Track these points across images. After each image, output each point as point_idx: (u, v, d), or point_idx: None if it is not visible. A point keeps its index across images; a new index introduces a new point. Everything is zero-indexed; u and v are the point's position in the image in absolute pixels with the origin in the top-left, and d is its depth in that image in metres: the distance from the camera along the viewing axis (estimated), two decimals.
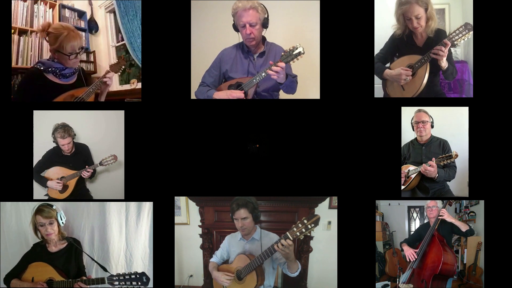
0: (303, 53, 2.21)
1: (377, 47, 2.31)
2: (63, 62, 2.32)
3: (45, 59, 2.35)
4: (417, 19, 2.26)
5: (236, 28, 2.34)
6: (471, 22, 2.25)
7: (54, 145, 2.35)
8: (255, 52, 2.35)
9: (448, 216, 2.25)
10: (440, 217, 2.25)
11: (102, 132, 2.34)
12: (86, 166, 2.36)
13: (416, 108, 2.30)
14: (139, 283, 2.19)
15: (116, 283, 2.18)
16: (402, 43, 2.33)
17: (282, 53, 2.24)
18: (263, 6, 2.29)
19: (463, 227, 2.24)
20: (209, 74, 2.36)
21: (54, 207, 2.25)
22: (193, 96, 2.32)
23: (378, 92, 2.35)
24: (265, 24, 2.31)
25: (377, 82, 2.34)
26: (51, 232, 2.23)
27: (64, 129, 2.32)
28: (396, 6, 2.30)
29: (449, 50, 2.26)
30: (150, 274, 2.27)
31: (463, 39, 2.22)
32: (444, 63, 2.25)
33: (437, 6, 2.30)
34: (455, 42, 2.23)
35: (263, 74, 2.27)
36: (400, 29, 2.31)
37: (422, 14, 2.26)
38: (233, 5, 2.30)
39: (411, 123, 2.32)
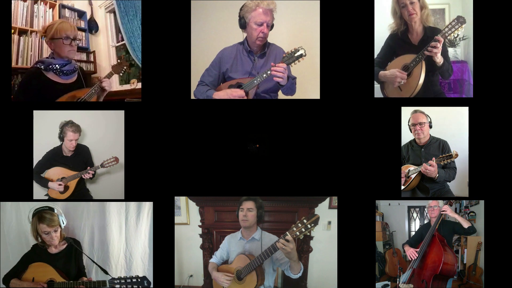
0: (305, 55, 2.21)
1: (377, 48, 2.31)
2: (58, 51, 2.32)
3: (45, 58, 2.35)
4: (411, 4, 2.26)
5: (243, 26, 2.32)
6: (471, 22, 2.26)
7: (55, 145, 2.35)
8: (257, 53, 2.35)
9: (450, 212, 2.25)
10: (443, 212, 2.25)
11: (102, 132, 2.34)
12: (88, 168, 2.36)
13: (412, 109, 2.30)
14: (140, 287, 2.19)
15: (118, 286, 2.17)
16: (397, 41, 2.32)
17: (284, 55, 2.24)
18: None
19: (465, 224, 2.24)
20: (208, 74, 2.36)
21: (55, 211, 2.24)
22: (193, 96, 2.32)
23: (378, 92, 2.35)
24: (273, 25, 2.31)
25: (377, 83, 2.34)
26: (56, 239, 2.23)
27: (76, 126, 2.33)
28: None
29: (446, 49, 2.27)
30: (150, 274, 2.27)
31: (457, 33, 2.23)
32: (439, 59, 2.24)
33: (437, 6, 2.31)
34: (449, 37, 2.23)
35: (264, 75, 2.26)
36: (395, 23, 2.31)
37: (415, 0, 2.26)
38: (249, 2, 2.28)
39: (408, 125, 2.32)
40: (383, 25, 2.32)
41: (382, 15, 2.31)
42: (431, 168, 2.27)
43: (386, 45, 2.33)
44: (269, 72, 2.25)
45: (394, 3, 2.30)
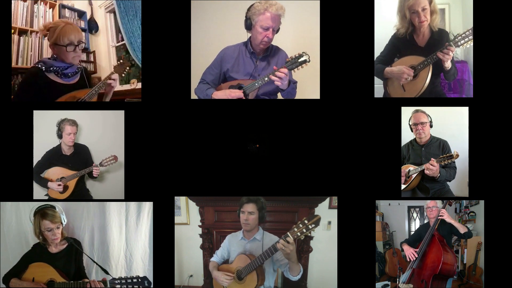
0: (309, 61, 2.20)
1: (377, 48, 2.31)
2: (61, 57, 2.30)
3: (46, 58, 2.34)
4: (423, 11, 2.26)
5: (249, 27, 2.30)
6: (471, 22, 2.26)
7: (54, 145, 2.35)
8: (260, 55, 2.34)
9: (447, 217, 2.25)
10: (440, 217, 2.25)
11: (102, 132, 2.34)
12: (93, 164, 2.35)
13: (413, 109, 2.30)
14: (141, 287, 2.19)
15: (118, 286, 2.17)
16: (403, 43, 2.32)
17: (287, 59, 2.24)
18: None
19: (462, 229, 2.24)
20: (209, 72, 2.35)
21: (57, 209, 2.24)
22: (193, 96, 2.32)
23: (378, 92, 2.35)
24: (278, 29, 2.30)
25: (378, 82, 2.34)
26: (58, 236, 2.23)
27: (72, 120, 2.32)
28: (400, 1, 2.28)
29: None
30: (150, 274, 2.27)
31: (469, 44, 2.23)
32: (448, 64, 2.25)
33: (437, 6, 2.30)
34: (461, 46, 2.24)
35: (266, 78, 2.26)
36: (403, 27, 2.30)
37: (427, 6, 2.26)
38: (258, 4, 2.26)
39: (409, 125, 2.32)
40: (386, 24, 2.31)
41: (387, 13, 2.30)
42: (432, 167, 2.27)
43: (391, 44, 2.33)
44: (270, 76, 2.24)
45: (404, 8, 2.27)
